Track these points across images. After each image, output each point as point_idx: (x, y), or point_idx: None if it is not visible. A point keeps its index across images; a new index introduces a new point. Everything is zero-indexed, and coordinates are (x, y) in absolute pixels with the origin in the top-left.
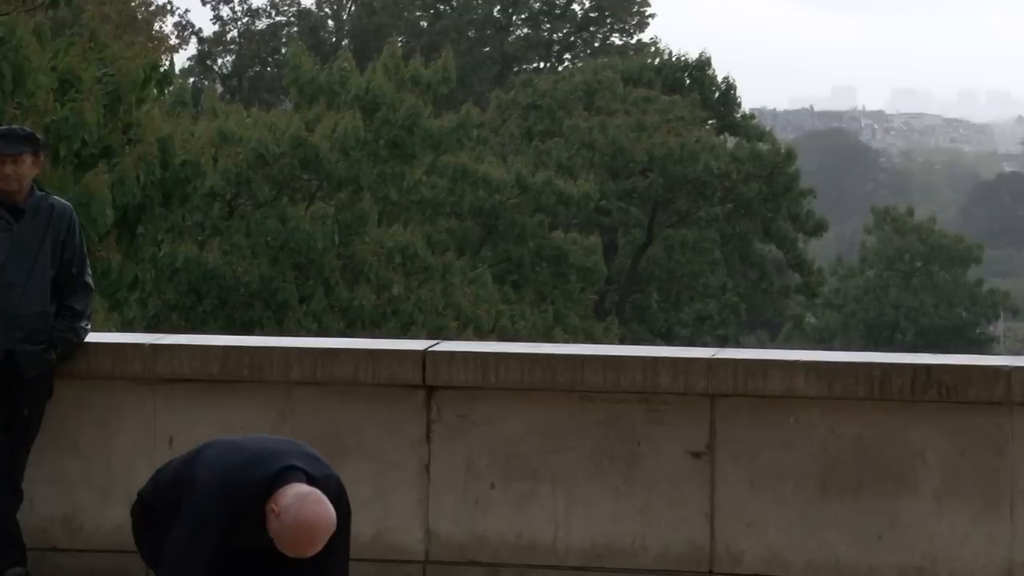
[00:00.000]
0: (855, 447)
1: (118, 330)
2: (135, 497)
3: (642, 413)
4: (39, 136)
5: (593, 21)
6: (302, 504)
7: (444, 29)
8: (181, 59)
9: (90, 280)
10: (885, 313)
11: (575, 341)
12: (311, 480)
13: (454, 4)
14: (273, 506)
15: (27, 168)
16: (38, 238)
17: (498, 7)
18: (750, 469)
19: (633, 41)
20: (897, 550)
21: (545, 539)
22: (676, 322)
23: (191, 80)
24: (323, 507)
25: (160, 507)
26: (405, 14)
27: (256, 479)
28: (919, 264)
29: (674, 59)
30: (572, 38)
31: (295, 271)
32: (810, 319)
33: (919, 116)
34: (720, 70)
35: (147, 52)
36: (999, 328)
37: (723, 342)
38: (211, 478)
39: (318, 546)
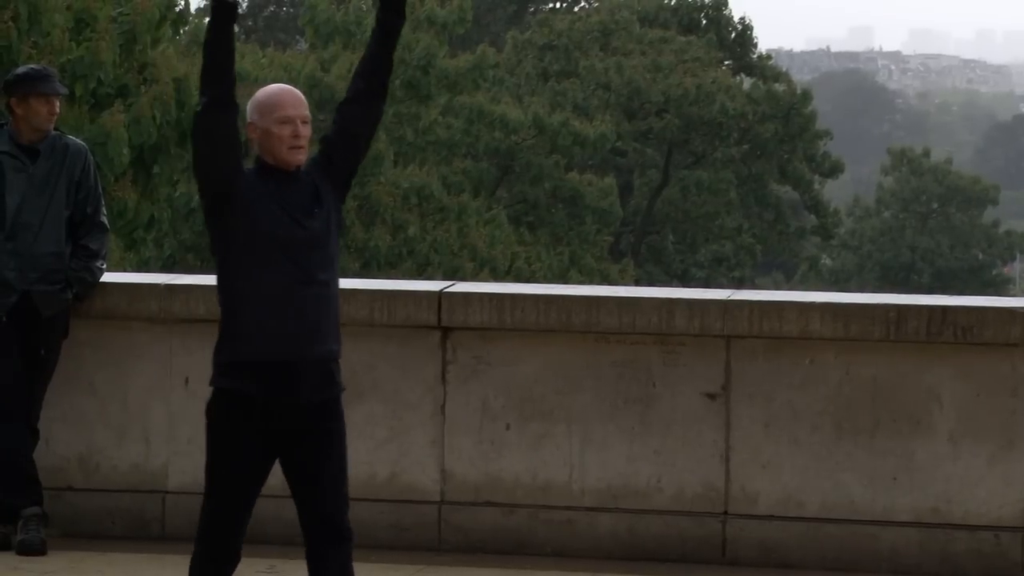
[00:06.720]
0: (870, 388)
1: (134, 270)
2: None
3: (658, 355)
4: None
5: None
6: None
7: None
8: None
9: (105, 220)
10: (901, 254)
11: (591, 283)
12: None
13: None
14: (248, 126)
15: None
16: (53, 179)
17: None
18: (765, 410)
19: None
20: (912, 492)
21: (560, 480)
22: (692, 263)
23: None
24: None
25: None
26: None
27: None
28: (935, 205)
29: None
30: None
31: None
32: (826, 260)
33: (936, 57)
34: (736, 10)
35: None
36: (1015, 269)
37: (739, 283)
38: None
39: (298, 95)
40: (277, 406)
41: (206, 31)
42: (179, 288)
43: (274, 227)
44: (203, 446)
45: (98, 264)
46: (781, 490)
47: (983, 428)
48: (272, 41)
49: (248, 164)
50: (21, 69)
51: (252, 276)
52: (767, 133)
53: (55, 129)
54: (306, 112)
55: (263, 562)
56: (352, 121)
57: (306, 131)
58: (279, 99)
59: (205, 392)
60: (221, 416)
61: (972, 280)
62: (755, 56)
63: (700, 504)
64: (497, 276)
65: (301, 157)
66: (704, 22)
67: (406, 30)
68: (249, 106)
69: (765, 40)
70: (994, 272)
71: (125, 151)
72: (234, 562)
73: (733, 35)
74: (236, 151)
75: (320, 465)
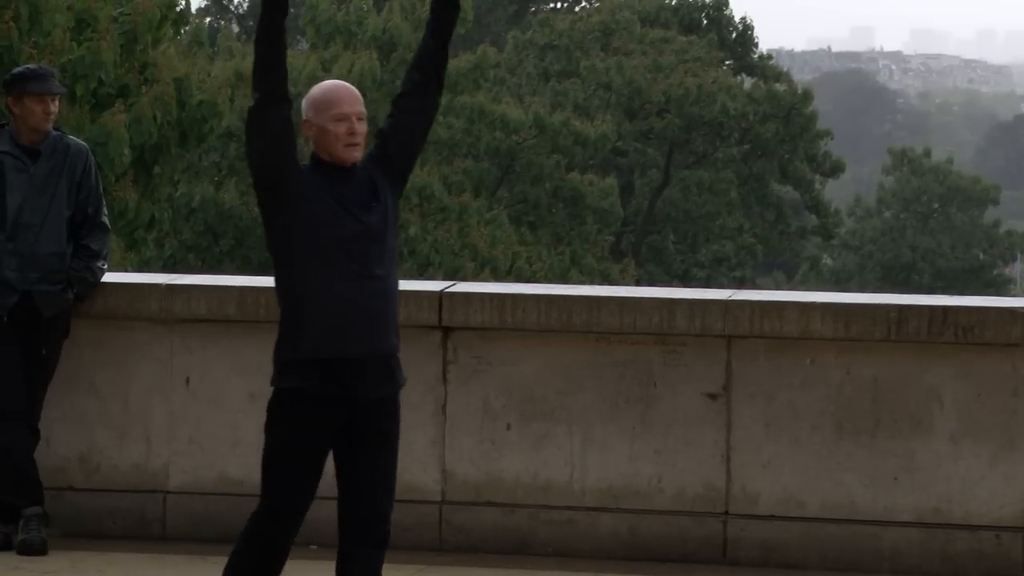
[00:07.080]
0: (871, 388)
1: (135, 270)
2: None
3: (658, 355)
4: None
5: None
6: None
7: None
8: None
9: (106, 220)
10: (902, 254)
11: (592, 283)
12: None
13: None
14: (303, 124)
15: None
16: (54, 179)
17: None
18: (766, 410)
19: None
20: (913, 492)
21: (561, 480)
22: (693, 263)
23: (207, 20)
24: None
25: None
26: None
27: None
28: (936, 205)
29: None
30: None
31: None
32: (827, 260)
33: (937, 57)
34: (737, 10)
35: None
36: (1016, 269)
37: (740, 283)
38: None
39: (354, 91)
40: (339, 403)
41: (256, 26)
42: (180, 288)
43: (331, 222)
44: (203, 446)
45: (99, 264)
46: (782, 490)
47: (984, 428)
48: None
49: (303, 160)
50: (17, 69)
51: (310, 272)
52: (768, 133)
53: (56, 129)
54: (362, 109)
55: None
56: (408, 114)
57: (362, 128)
58: (335, 96)
59: (205, 392)
60: (283, 416)
61: (973, 280)
62: (756, 56)
63: (701, 504)
64: (498, 276)
65: (357, 154)
66: (705, 22)
67: (407, 31)
68: (304, 103)
69: (766, 40)
70: (995, 272)
71: (126, 151)
72: (282, 564)
73: (734, 35)
74: (290, 146)
75: (372, 467)
